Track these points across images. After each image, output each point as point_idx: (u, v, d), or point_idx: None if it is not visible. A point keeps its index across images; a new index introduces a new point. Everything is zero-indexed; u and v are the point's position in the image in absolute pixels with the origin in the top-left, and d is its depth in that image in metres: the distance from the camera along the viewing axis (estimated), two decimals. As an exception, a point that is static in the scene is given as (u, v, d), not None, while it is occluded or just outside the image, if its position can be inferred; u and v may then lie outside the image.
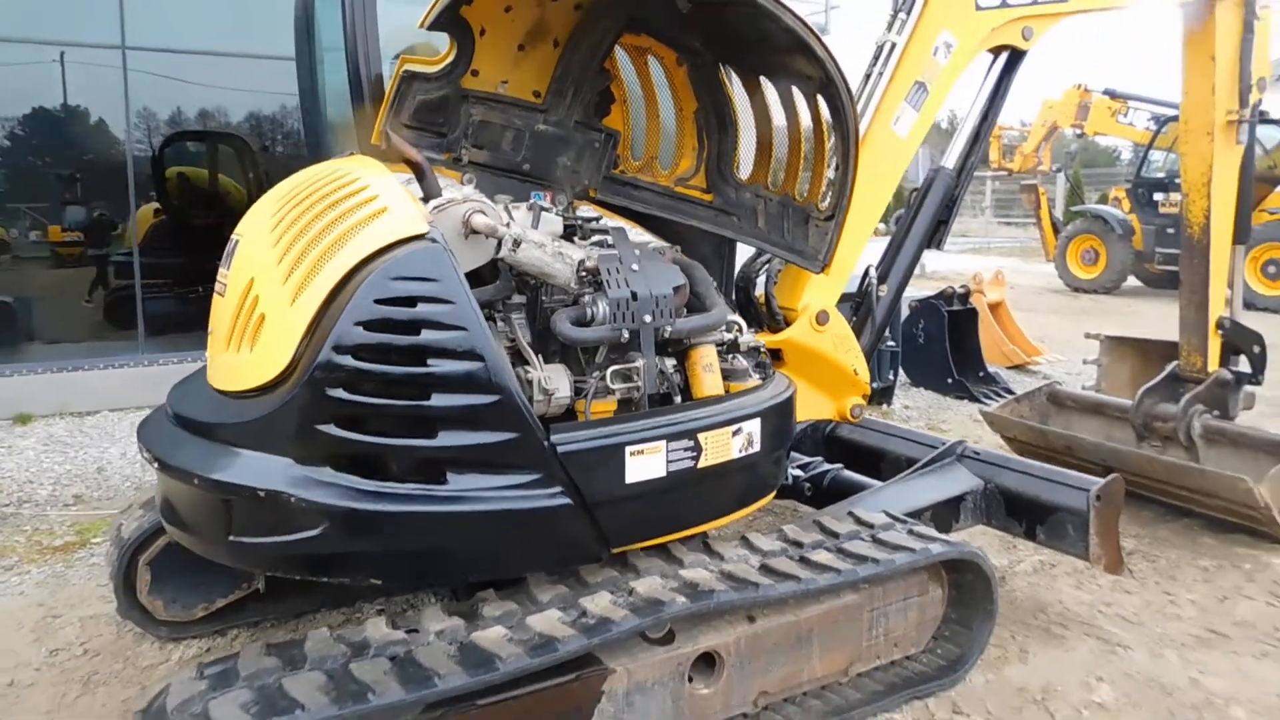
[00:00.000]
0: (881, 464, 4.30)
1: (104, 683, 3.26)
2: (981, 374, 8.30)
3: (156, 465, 2.58)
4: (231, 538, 2.42)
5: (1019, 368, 9.15)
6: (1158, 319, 12.33)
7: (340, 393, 2.30)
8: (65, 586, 4.03)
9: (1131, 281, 16.63)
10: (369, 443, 2.32)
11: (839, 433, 4.55)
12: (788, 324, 3.70)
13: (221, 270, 2.81)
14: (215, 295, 2.83)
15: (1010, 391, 7.70)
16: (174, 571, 3.49)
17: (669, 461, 2.59)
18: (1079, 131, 16.93)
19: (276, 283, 2.48)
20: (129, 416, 6.71)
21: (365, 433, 2.32)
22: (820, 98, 2.96)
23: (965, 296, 8.44)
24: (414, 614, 2.56)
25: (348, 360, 2.29)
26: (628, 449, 2.51)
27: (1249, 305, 13.52)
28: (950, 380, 8.05)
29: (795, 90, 3.03)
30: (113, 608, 3.76)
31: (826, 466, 4.12)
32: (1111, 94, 16.09)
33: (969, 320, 8.38)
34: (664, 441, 2.57)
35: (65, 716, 3.05)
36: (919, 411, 7.45)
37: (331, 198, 2.51)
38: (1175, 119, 15.03)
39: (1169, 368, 5.24)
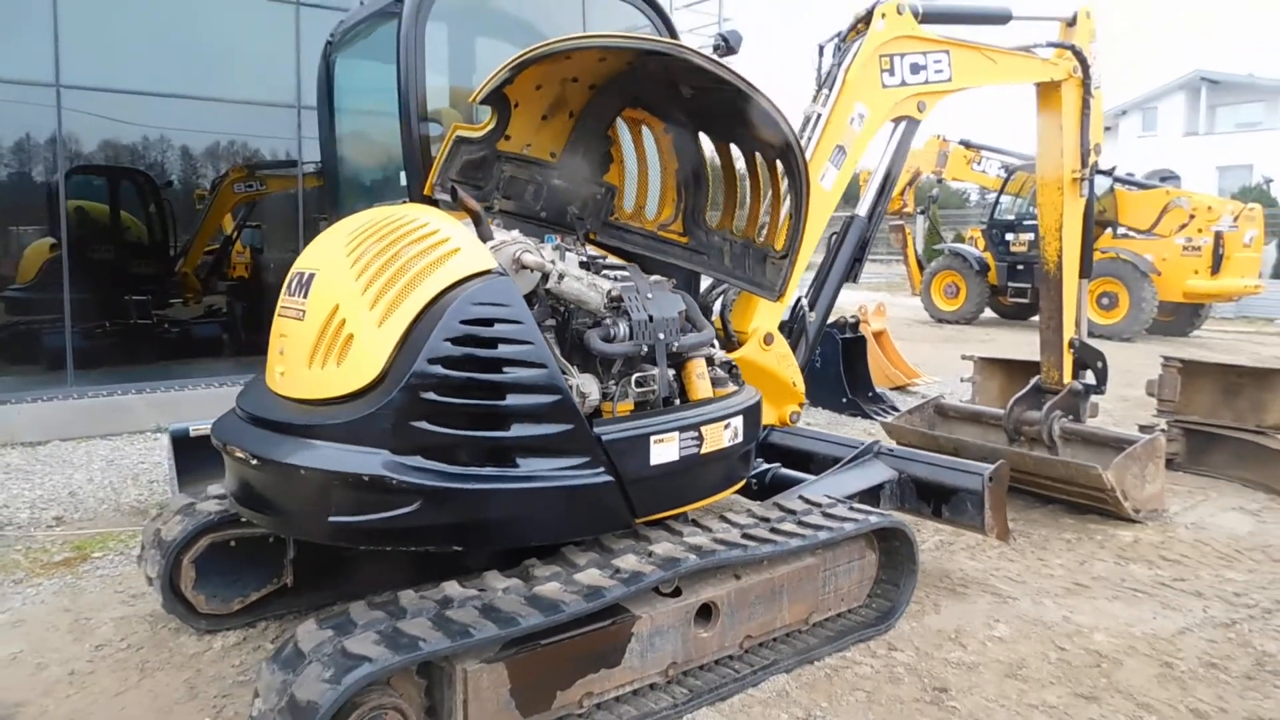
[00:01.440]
0: (810, 464, 5.08)
1: (159, 668, 3.63)
2: (871, 394, 9.31)
3: (255, 462, 3.06)
4: (331, 518, 2.94)
5: (901, 388, 10.25)
6: (1012, 344, 13.88)
7: (432, 395, 2.87)
8: (82, 594, 4.32)
9: (987, 313, 18.43)
10: (455, 435, 2.90)
11: (773, 439, 5.32)
12: (740, 344, 4.45)
13: (292, 299, 3.32)
14: (284, 319, 3.34)
15: (895, 409, 8.72)
16: (213, 570, 3.91)
17: (681, 448, 3.27)
18: (939, 177, 18.67)
19: (364, 309, 3.03)
20: (83, 445, 6.84)
21: (452, 427, 2.90)
22: (779, 161, 3.74)
23: (855, 325, 9.47)
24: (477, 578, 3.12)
25: (439, 370, 2.87)
26: (652, 438, 3.18)
27: (1088, 332, 15.30)
28: (845, 400, 9.04)
29: (759, 155, 3.80)
30: (138, 610, 4.15)
31: (766, 465, 4.88)
32: (967, 144, 17.89)
33: (859, 347, 9.40)
34: (677, 432, 3.25)
35: (134, 695, 3.42)
36: (820, 427, 8.34)
37: (409, 238, 3.09)
38: (1023, 168, 17.05)
39: (1032, 381, 6.30)
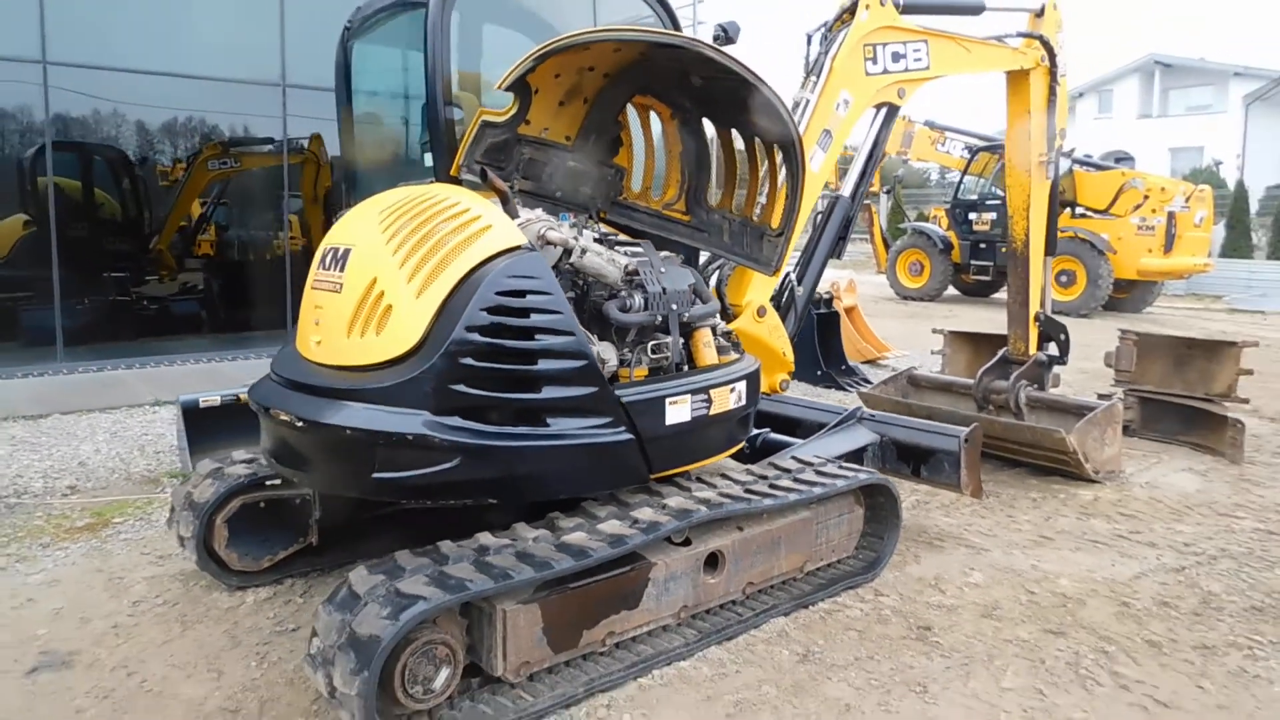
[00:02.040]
0: (797, 429, 5.41)
1: (198, 621, 3.86)
2: (844, 367, 9.69)
3: (301, 424, 3.29)
4: (375, 475, 3.19)
5: (871, 362, 10.65)
6: (975, 320, 14.39)
7: (470, 361, 3.13)
8: (111, 556, 4.52)
9: (950, 290, 18.95)
10: (491, 396, 3.16)
11: (762, 405, 5.62)
12: (735, 316, 4.75)
13: (327, 273, 3.54)
14: (320, 292, 3.56)
15: (868, 380, 9.11)
16: (244, 529, 4.14)
17: (692, 409, 3.57)
18: (904, 157, 19.09)
19: (402, 281, 3.27)
20: (84, 418, 6.97)
21: (488, 390, 3.16)
22: (777, 146, 4.02)
23: (829, 302, 9.82)
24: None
25: (476, 337, 3.13)
26: (667, 400, 3.47)
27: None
28: (820, 372, 9.40)
29: (758, 140, 4.08)
30: (167, 569, 4.37)
31: (756, 430, 5.18)
32: (931, 125, 18.32)
33: (832, 322, 9.77)
34: (689, 395, 3.55)
35: (180, 644, 3.65)
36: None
37: (443, 215, 3.32)
38: (986, 148, 17.53)
39: (1000, 353, 6.69)
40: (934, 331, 8.03)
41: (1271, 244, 22.36)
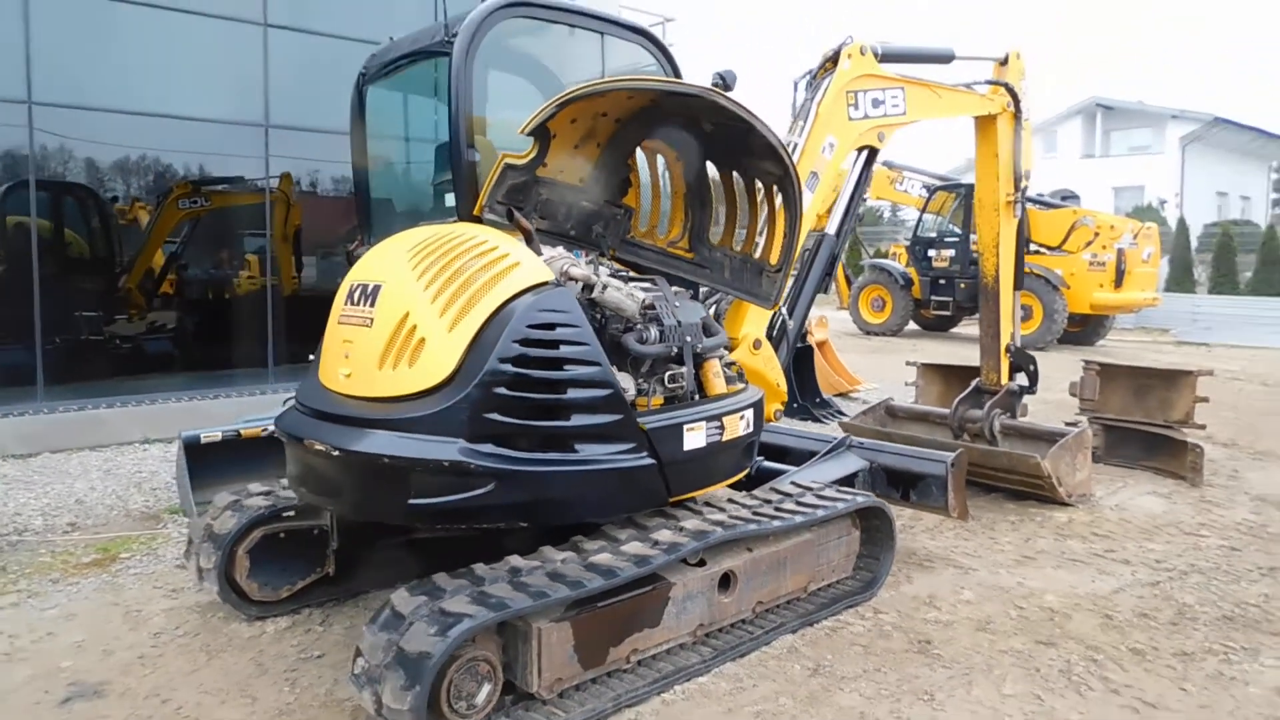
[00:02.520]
0: (787, 456, 5.62)
1: (222, 650, 3.94)
2: (818, 399, 9.98)
3: (337, 453, 3.43)
4: (411, 501, 3.34)
5: (843, 394, 10.96)
6: (937, 353, 14.84)
7: (503, 390, 3.30)
8: (123, 591, 4.56)
9: (911, 325, 19.48)
10: (523, 424, 3.33)
11: (753, 435, 5.87)
12: (732, 349, 4.97)
13: (356, 308, 3.69)
14: (349, 326, 3.71)
15: (842, 413, 9.39)
16: (264, 560, 4.23)
17: (707, 436, 3.77)
18: (864, 196, 19.68)
19: (434, 316, 3.44)
20: (74, 457, 6.95)
21: (520, 418, 3.33)
22: (776, 187, 4.29)
23: (803, 337, 10.11)
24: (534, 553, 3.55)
25: (509, 368, 3.30)
26: (685, 427, 3.67)
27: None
28: (795, 404, 9.65)
29: (758, 182, 4.34)
30: (182, 602, 4.44)
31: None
32: (889, 165, 18.94)
33: (807, 356, 10.06)
34: (704, 422, 3.75)
35: (207, 673, 3.72)
36: (777, 430, 8.94)
37: (471, 253, 3.51)
38: (943, 188, 18.14)
39: (973, 383, 7.00)
40: (907, 364, 8.35)
41: (1212, 279, 23.32)
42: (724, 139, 4.11)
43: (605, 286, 3.65)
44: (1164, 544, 5.44)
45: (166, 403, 8.78)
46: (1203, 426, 7.19)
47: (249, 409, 8.32)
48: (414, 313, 3.49)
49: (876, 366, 13.16)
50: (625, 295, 3.72)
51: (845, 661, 3.83)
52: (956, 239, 17.98)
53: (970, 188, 18.39)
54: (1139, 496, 6.47)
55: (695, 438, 3.73)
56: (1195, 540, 5.50)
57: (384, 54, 4.48)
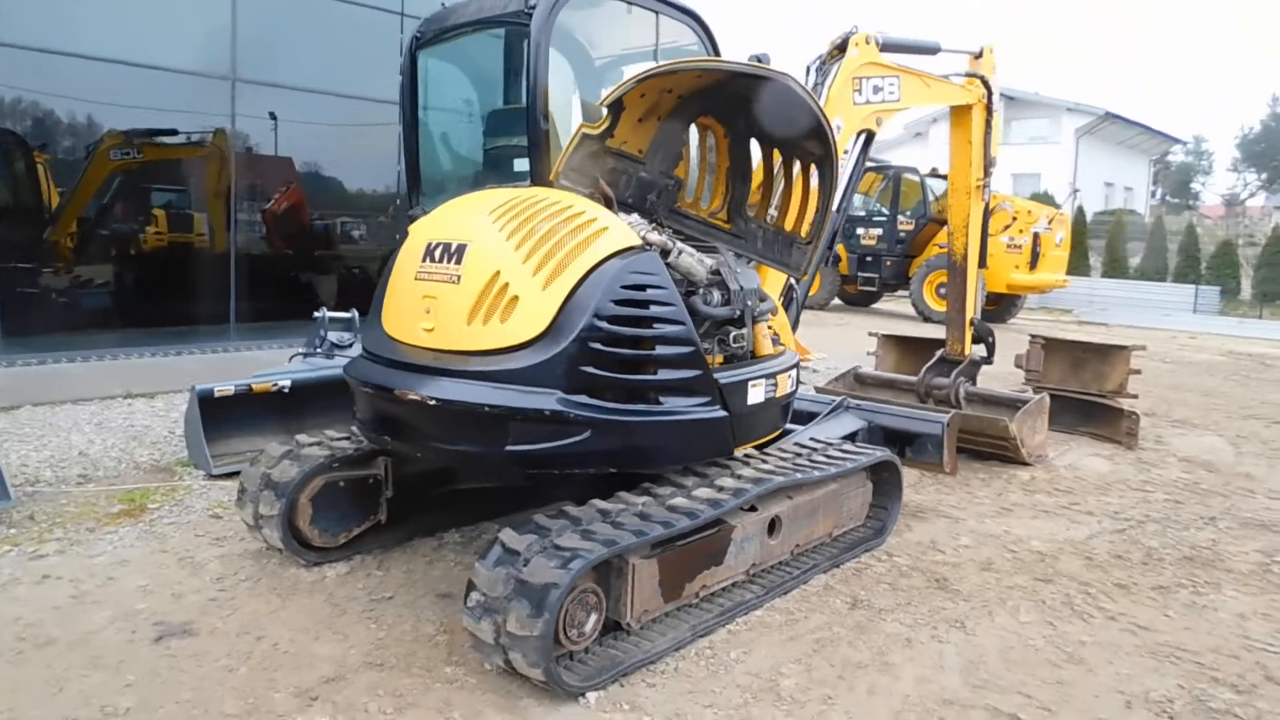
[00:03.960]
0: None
1: (291, 593, 4.08)
2: (774, 367, 10.44)
3: (434, 402, 3.61)
4: (509, 448, 3.57)
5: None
6: (865, 326, 15.55)
7: (599, 346, 3.55)
8: (166, 539, 4.62)
9: (836, 300, 20.28)
10: (615, 377, 3.59)
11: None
12: (776, 313, 5.30)
13: (439, 265, 3.85)
14: (431, 283, 3.87)
15: (801, 381, 9.87)
16: (322, 508, 4.36)
17: (765, 392, 4.10)
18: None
19: (527, 275, 3.64)
20: (60, 410, 6.79)
21: (613, 371, 3.58)
22: (815, 166, 4.62)
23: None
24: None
25: (605, 325, 3.55)
26: (749, 383, 3.99)
27: (926, 319, 17.12)
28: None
29: (797, 159, 4.66)
30: (231, 549, 4.55)
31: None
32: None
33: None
34: (764, 379, 4.08)
35: (287, 613, 3.87)
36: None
37: (560, 217, 3.72)
38: (872, 169, 18.85)
39: (938, 353, 7.55)
40: (869, 334, 8.89)
41: (1105, 264, 24.97)
42: (775, 116, 4.41)
43: (680, 252, 3.92)
44: (1118, 498, 6.09)
45: (131, 359, 8.58)
46: (1135, 396, 7.94)
47: (212, 367, 8.24)
48: (505, 271, 3.68)
49: (814, 338, 13.75)
50: (696, 261, 4.00)
51: (878, 596, 4.26)
52: (884, 219, 18.79)
53: (898, 170, 19.27)
54: (1086, 458, 7.16)
55: (756, 393, 4.06)
56: (1144, 495, 6.17)
57: (438, 21, 4.58)
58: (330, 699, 3.20)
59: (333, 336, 6.44)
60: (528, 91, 4.06)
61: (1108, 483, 6.45)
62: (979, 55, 7.13)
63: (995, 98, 7.13)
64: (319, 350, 6.47)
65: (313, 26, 10.11)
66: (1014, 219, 17.24)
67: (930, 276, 17.42)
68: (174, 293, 10.17)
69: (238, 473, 5.55)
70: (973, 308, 7.42)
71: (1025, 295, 18.58)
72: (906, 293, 18.39)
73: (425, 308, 3.89)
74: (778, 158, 4.71)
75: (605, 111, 4.05)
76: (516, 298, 3.65)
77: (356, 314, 6.65)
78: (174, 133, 11.37)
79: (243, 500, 4.42)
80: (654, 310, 3.65)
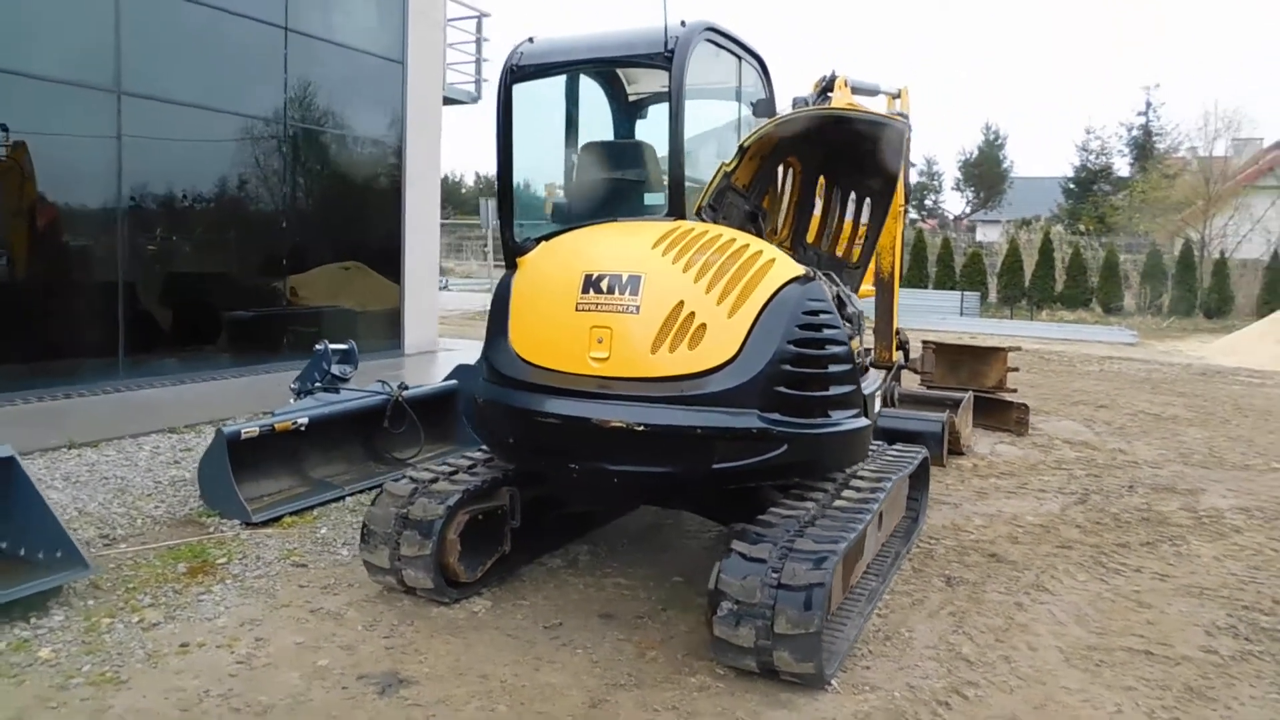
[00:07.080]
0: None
1: (460, 632, 4.02)
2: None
3: (641, 428, 3.79)
4: (715, 465, 3.84)
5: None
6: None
7: (788, 367, 3.90)
8: (274, 594, 4.33)
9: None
10: (800, 395, 3.95)
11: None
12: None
13: (611, 296, 4.03)
14: (603, 313, 4.03)
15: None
16: (464, 543, 4.32)
17: (879, 405, 4.62)
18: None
19: (711, 304, 3.92)
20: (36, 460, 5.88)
21: (799, 389, 3.94)
22: (869, 200, 5.21)
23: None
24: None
25: (793, 348, 3.91)
26: (875, 396, 4.49)
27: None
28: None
29: (855, 194, 5.22)
30: (347, 597, 4.39)
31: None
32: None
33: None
34: (878, 393, 4.60)
35: (477, 652, 3.83)
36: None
37: (729, 250, 4.04)
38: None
39: (868, 359, 8.43)
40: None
41: (938, 277, 27.48)
42: (855, 159, 4.96)
43: (819, 278, 4.35)
44: (1051, 477, 7.21)
45: (29, 403, 7.55)
46: (1014, 390, 9.31)
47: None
48: (689, 301, 3.94)
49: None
50: (827, 287, 4.45)
51: (963, 572, 4.91)
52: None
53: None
54: (996, 445, 8.33)
55: (876, 404, 4.58)
56: (1069, 473, 7.35)
57: (542, 54, 4.67)
58: None
59: (335, 369, 6.16)
60: (670, 131, 4.31)
61: (1030, 464, 7.60)
62: (897, 95, 8.12)
63: (911, 133, 8.13)
64: (319, 384, 6.16)
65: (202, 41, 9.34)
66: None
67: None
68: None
69: (278, 518, 5.30)
70: (897, 318, 8.38)
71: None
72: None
73: (597, 337, 4.04)
74: (836, 191, 5.27)
75: (736, 150, 4.41)
76: (704, 325, 3.92)
77: (354, 345, 6.39)
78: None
79: (372, 543, 4.28)
80: (827, 333, 4.05)
